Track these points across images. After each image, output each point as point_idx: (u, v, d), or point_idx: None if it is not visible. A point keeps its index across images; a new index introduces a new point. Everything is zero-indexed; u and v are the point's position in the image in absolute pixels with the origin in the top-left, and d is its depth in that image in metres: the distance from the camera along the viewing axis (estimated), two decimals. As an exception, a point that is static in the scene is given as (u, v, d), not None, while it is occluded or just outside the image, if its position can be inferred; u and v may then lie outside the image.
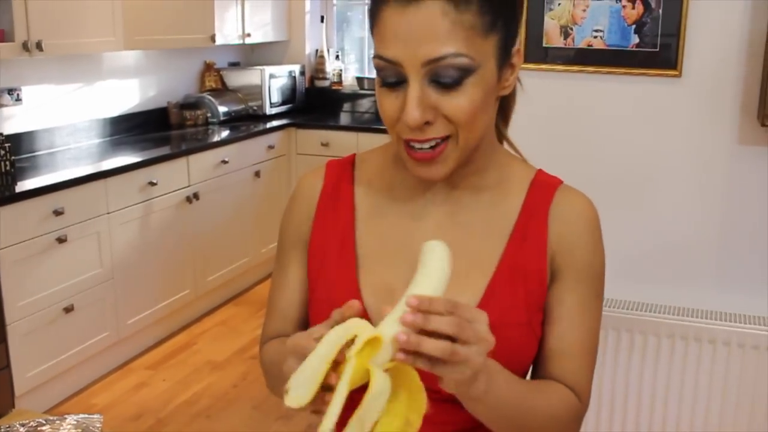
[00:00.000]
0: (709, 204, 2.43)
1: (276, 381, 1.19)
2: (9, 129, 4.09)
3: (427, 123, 1.04)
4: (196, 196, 4.54)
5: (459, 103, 1.03)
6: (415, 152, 1.08)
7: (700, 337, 2.45)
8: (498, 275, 1.15)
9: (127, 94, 5.02)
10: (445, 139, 1.07)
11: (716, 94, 2.37)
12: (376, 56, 1.05)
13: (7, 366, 3.41)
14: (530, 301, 1.16)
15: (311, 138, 5.52)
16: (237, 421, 3.60)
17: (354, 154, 1.29)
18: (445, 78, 1.02)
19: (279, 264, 1.30)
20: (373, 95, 6.02)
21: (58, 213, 3.59)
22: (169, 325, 4.52)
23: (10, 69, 4.11)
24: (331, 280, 1.20)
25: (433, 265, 0.97)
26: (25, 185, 3.57)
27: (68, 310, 3.71)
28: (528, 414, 1.09)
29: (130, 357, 4.21)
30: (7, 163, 3.82)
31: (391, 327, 0.90)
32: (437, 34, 1.00)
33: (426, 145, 1.07)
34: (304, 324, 1.27)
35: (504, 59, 1.09)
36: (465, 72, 1.02)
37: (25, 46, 3.73)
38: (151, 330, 4.36)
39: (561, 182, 1.23)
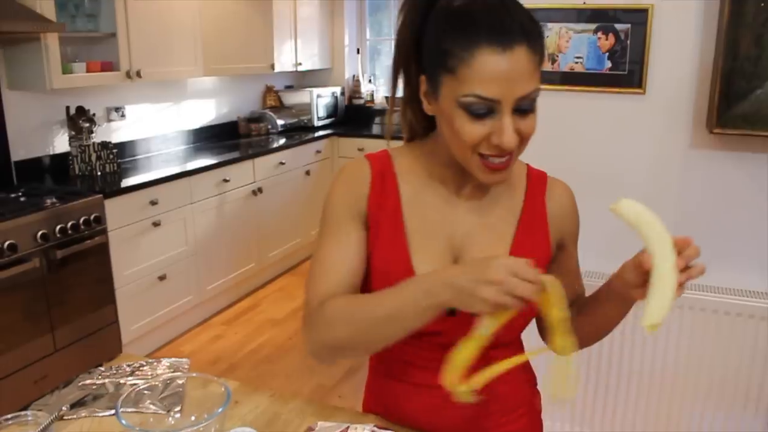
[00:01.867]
0: (667, 196, 2.40)
1: (362, 324, 1.09)
2: (116, 139, 4.12)
3: None
4: (260, 190, 4.54)
5: (531, 124, 1.05)
6: (493, 164, 1.07)
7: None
8: (516, 245, 1.18)
9: (206, 111, 5.02)
10: (512, 152, 1.07)
11: (673, 107, 2.35)
12: (470, 95, 1.01)
13: (116, 321, 3.44)
14: (539, 264, 1.15)
15: (350, 144, 5.50)
16: (292, 365, 3.60)
17: (385, 150, 1.27)
18: (525, 107, 1.02)
19: (334, 231, 1.20)
20: (397, 111, 5.97)
21: (153, 203, 3.61)
22: (239, 290, 4.53)
23: (117, 92, 4.14)
24: (386, 254, 1.18)
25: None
26: (128, 182, 3.58)
27: (162, 278, 3.73)
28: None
29: (208, 315, 4.23)
30: (115, 165, 3.85)
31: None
32: (527, 74, 1.00)
33: (504, 158, 1.06)
34: (357, 289, 1.20)
35: None
36: (535, 100, 1.03)
37: (128, 74, 3.75)
38: (225, 294, 4.38)
39: (546, 174, 1.27)
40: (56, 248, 3.04)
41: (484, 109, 1.01)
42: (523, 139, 1.05)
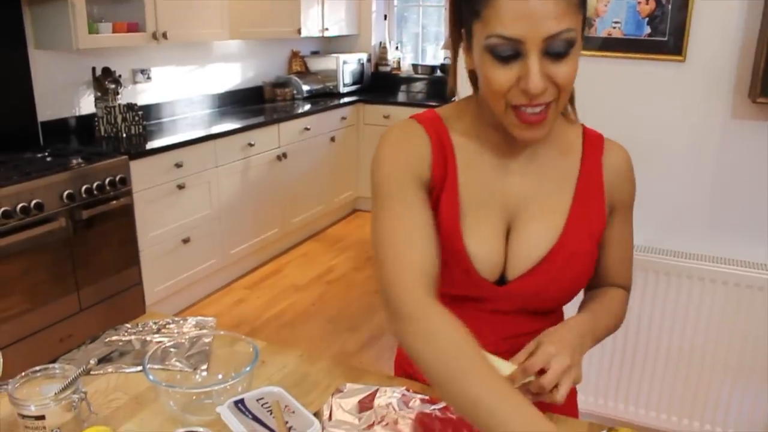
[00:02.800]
0: (705, 165, 2.34)
1: (443, 379, 0.92)
2: (141, 101, 4.11)
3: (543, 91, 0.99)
4: (284, 155, 4.52)
5: (566, 70, 0.97)
6: (527, 116, 1.01)
7: (691, 275, 2.37)
8: (572, 216, 1.14)
9: (231, 75, 4.99)
10: (548, 104, 1.00)
11: (715, 76, 2.28)
12: (494, 36, 0.95)
13: (140, 282, 3.46)
14: (595, 234, 1.16)
15: (375, 112, 5.44)
16: (314, 331, 3.60)
17: (433, 111, 1.19)
18: (557, 50, 0.95)
19: (398, 202, 1.06)
20: (424, 78, 5.92)
21: (178, 166, 3.60)
22: (262, 255, 4.53)
23: (142, 54, 4.12)
24: (440, 221, 1.12)
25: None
26: (153, 144, 3.57)
27: (186, 241, 3.74)
28: (609, 329, 1.21)
29: (232, 279, 4.23)
30: (140, 127, 3.84)
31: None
32: (554, 12, 0.93)
33: (537, 109, 1.00)
34: (439, 250, 1.07)
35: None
36: (571, 44, 0.96)
37: (154, 36, 3.72)
38: (249, 259, 4.38)
39: (603, 135, 1.21)
40: (82, 208, 3.05)
41: (509, 51, 0.95)
42: (559, 89, 0.99)
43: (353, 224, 5.35)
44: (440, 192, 1.13)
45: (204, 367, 1.32)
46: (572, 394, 1.33)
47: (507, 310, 1.18)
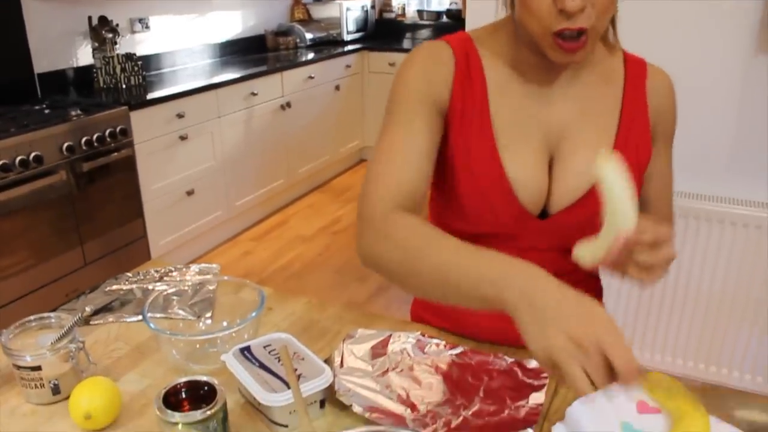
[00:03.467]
0: (729, 101, 2.24)
1: (413, 262, 0.91)
2: (140, 51, 4.01)
3: (581, 10, 0.91)
4: (288, 104, 4.42)
5: None
6: (565, 42, 0.94)
7: (710, 217, 2.29)
8: (618, 142, 1.07)
9: (232, 24, 4.85)
10: (586, 30, 0.93)
11: (740, 9, 2.15)
12: None
13: (145, 236, 3.41)
14: (642, 163, 1.09)
15: (380, 59, 5.31)
16: (322, 281, 3.55)
17: (465, 33, 1.11)
18: None
19: (404, 117, 1.04)
20: (430, 25, 5.77)
21: (180, 116, 3.51)
22: (267, 206, 4.47)
23: (140, 1, 3.99)
24: (472, 149, 1.06)
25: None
26: (154, 95, 3.47)
27: (190, 193, 3.67)
28: None
29: (237, 231, 4.18)
30: (140, 77, 3.75)
31: None
32: None
33: (576, 33, 0.93)
34: (429, 177, 1.06)
35: None
36: None
37: (150, -20, 3.59)
38: (254, 210, 4.32)
39: (645, 60, 1.13)
40: (82, 161, 2.98)
41: None
42: (598, 13, 0.92)
43: (360, 174, 5.27)
44: (468, 116, 1.06)
45: (208, 315, 1.26)
46: None
47: (545, 248, 1.11)
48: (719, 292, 2.36)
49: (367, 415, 0.95)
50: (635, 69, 1.10)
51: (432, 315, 1.25)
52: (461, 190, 1.08)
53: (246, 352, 1.01)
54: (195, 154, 3.68)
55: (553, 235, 1.09)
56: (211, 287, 1.34)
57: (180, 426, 0.87)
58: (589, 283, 1.18)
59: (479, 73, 1.06)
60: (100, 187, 3.11)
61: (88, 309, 1.00)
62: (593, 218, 1.03)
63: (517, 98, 1.06)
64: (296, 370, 0.97)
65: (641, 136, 1.09)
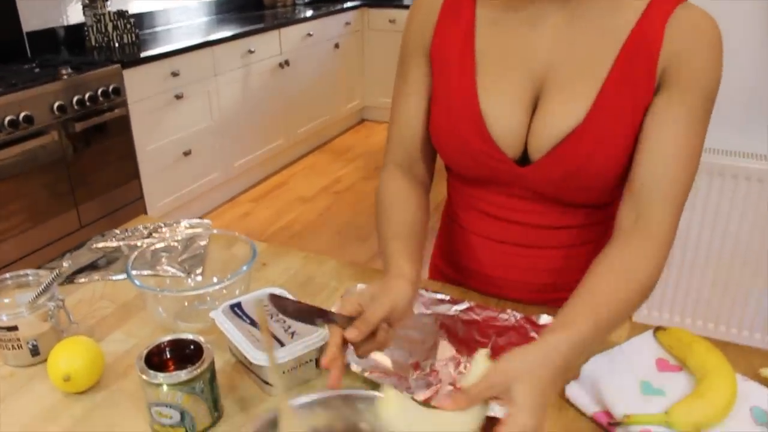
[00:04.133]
0: (746, 52, 2.13)
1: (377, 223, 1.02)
2: (133, 9, 3.88)
3: None
4: (287, 63, 4.31)
5: None
6: None
7: (723, 172, 2.21)
8: (608, 84, 0.91)
9: (228, -21, 4.72)
10: None
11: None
12: None
13: (141, 197, 3.34)
14: (636, 112, 0.91)
15: (381, 16, 5.17)
16: (323, 242, 3.48)
17: None
18: None
19: (400, 76, 1.08)
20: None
21: (175, 75, 3.41)
22: (267, 167, 4.38)
23: (131, -45, 3.86)
24: (450, 86, 0.99)
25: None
26: (147, 53, 3.36)
27: (187, 153, 3.59)
28: (617, 325, 0.84)
29: (236, 192, 4.11)
30: (133, 35, 3.65)
31: None
32: None
33: None
34: (427, 133, 1.06)
35: None
36: None
37: (141, -68, 3.46)
38: (253, 171, 4.24)
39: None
40: (74, 121, 2.89)
41: None
42: None
43: (361, 134, 5.17)
44: (450, 54, 1.00)
45: (199, 271, 1.19)
46: None
47: (531, 196, 1.02)
48: (734, 250, 2.29)
49: (366, 374, 0.89)
50: (661, 5, 0.92)
51: (452, 269, 1.17)
52: (440, 129, 1.02)
53: (236, 309, 0.95)
54: (191, 113, 3.59)
55: (539, 185, 0.99)
56: (202, 243, 1.27)
57: (164, 387, 0.80)
58: (584, 233, 1.07)
59: (469, 10, 0.99)
60: (94, 148, 3.03)
61: (65, 264, 0.93)
62: (579, 170, 0.94)
63: (508, 33, 0.97)
64: (290, 327, 0.90)
65: (642, 80, 0.91)
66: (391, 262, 0.88)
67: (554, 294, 1.06)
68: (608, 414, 0.82)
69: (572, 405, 0.86)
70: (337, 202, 3.93)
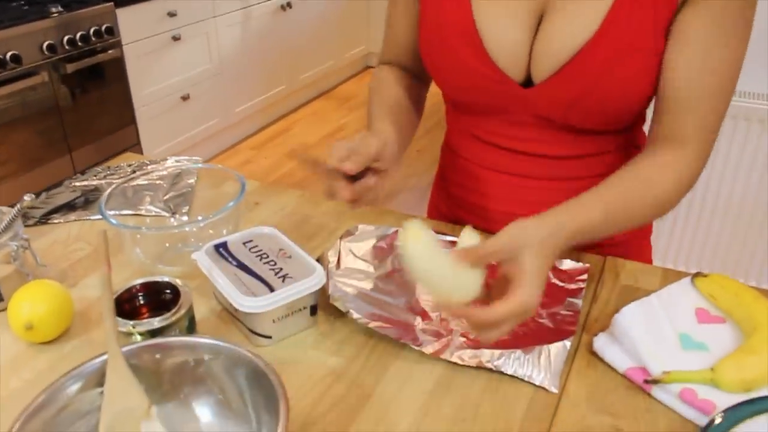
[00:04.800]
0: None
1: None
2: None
3: None
4: (289, 5, 4.13)
5: None
6: None
7: (749, 117, 2.08)
8: (611, 14, 0.80)
9: None
10: None
11: None
12: None
13: (138, 143, 3.22)
14: (658, 22, 0.80)
15: (386, -43, 4.96)
16: (327, 190, 3.37)
17: None
18: None
19: None
20: None
21: (171, 15, 3.26)
22: (269, 114, 4.24)
23: None
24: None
25: None
26: (141, -10, 3.21)
27: (185, 98, 3.45)
28: (626, 225, 0.84)
29: (237, 140, 3.98)
30: (127, -27, 3.46)
31: None
32: None
33: None
34: (416, 46, 0.97)
35: None
36: None
37: None
38: (254, 118, 4.10)
39: None
40: (65, 62, 2.75)
41: None
42: None
43: (365, 81, 5.02)
44: None
45: (184, 210, 1.08)
46: (646, 233, 1.09)
47: (543, 124, 0.91)
48: (730, 194, 2.16)
49: (367, 323, 0.78)
50: None
51: (454, 207, 1.07)
52: (431, 47, 0.92)
53: (221, 250, 0.84)
54: (189, 56, 3.44)
55: (543, 107, 0.88)
56: (190, 180, 1.16)
57: (137, 337, 0.70)
58: (597, 163, 0.96)
59: None
60: (87, 91, 2.89)
61: (27, 198, 0.82)
62: (591, 90, 0.83)
63: None
64: (281, 270, 0.79)
65: (643, 11, 0.80)
66: (373, 125, 0.88)
67: None
68: (643, 370, 0.72)
69: (601, 360, 0.76)
70: (341, 149, 3.81)
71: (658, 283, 0.90)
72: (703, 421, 0.67)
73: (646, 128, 0.92)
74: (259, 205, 1.10)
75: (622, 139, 0.95)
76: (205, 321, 0.83)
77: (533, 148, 0.93)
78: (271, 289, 0.76)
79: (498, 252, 0.70)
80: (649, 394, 0.71)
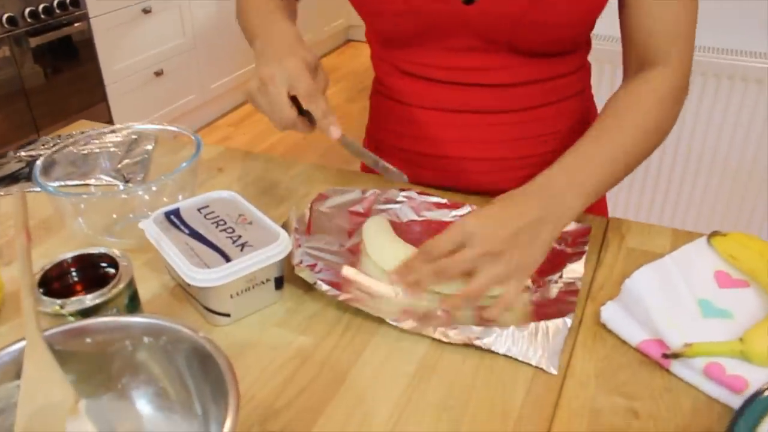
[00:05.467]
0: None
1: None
2: None
3: None
4: (264, -24, 3.99)
5: None
6: None
7: (746, 77, 1.98)
8: None
9: None
10: None
11: None
12: None
13: (110, 121, 3.08)
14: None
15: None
16: (308, 162, 3.25)
17: None
18: None
19: None
20: None
21: (141, -15, 3.11)
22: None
23: None
24: None
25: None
26: (109, -40, 3.06)
27: (158, 74, 3.31)
28: (630, 163, 0.75)
29: (214, 117, 3.84)
30: (94, -56, 3.31)
31: None
32: None
33: None
34: None
35: None
36: None
37: None
38: (232, 94, 3.96)
39: None
40: (28, 35, 2.61)
41: None
42: None
43: (346, 54, 4.88)
44: None
45: (139, 178, 0.97)
46: None
47: (487, 48, 0.81)
48: (728, 155, 2.07)
49: (338, 296, 0.68)
50: None
51: (394, 163, 0.95)
52: None
53: (172, 217, 0.73)
54: (161, 30, 3.30)
55: (486, 26, 0.79)
56: (147, 147, 1.05)
57: (71, 319, 0.59)
58: (552, 89, 0.87)
59: None
60: (54, 67, 2.75)
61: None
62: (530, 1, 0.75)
63: None
64: (240, 237, 0.69)
65: None
66: (277, 24, 0.82)
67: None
68: (660, 343, 0.62)
69: (610, 332, 0.66)
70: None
71: (669, 245, 0.80)
72: (731, 399, 0.58)
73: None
74: (223, 171, 0.99)
75: (573, 61, 0.87)
76: (156, 299, 0.72)
77: (478, 77, 0.84)
78: (228, 260, 0.65)
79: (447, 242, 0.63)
80: (667, 371, 0.61)
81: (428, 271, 0.62)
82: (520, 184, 0.68)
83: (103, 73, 3.00)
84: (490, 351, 0.63)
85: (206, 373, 0.50)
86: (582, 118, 0.92)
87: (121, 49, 3.08)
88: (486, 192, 0.88)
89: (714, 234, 0.74)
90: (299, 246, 0.74)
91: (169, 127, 0.92)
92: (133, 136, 1.07)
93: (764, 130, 2.00)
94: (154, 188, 0.79)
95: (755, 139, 2.02)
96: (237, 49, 3.84)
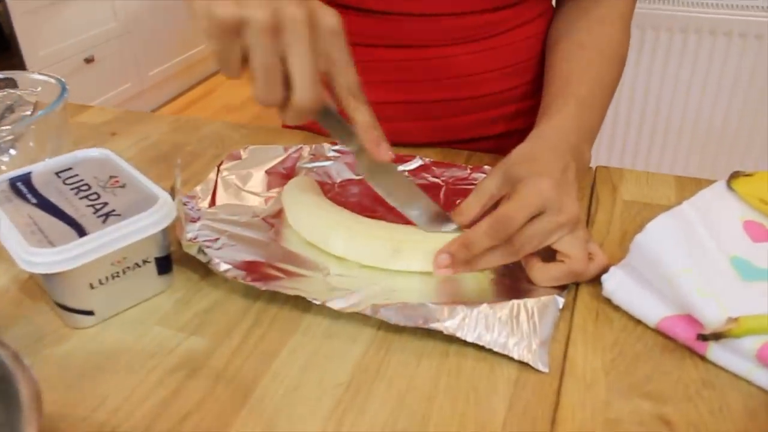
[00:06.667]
0: None
1: None
2: None
3: None
4: (202, -44, 3.75)
5: None
6: None
7: (700, 28, 1.85)
8: None
9: None
10: None
11: None
12: None
13: (36, 112, 2.83)
14: None
15: None
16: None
17: None
18: None
19: None
20: None
21: (62, -35, 2.87)
22: (189, 77, 3.85)
23: None
24: None
25: None
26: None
27: (89, 60, 3.06)
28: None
29: (156, 105, 3.60)
30: None
31: None
32: None
33: None
34: None
35: None
36: None
37: None
38: (173, 81, 3.72)
39: None
40: (-63, 20, 2.36)
41: None
42: None
43: None
44: None
45: (13, 152, 0.77)
46: None
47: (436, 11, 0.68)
48: (727, 114, 1.94)
49: (242, 278, 0.49)
50: None
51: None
52: None
53: (20, 184, 0.53)
54: (89, 13, 3.05)
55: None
56: (25, 113, 0.85)
57: None
58: (509, 18, 0.71)
59: None
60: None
61: None
62: None
63: None
64: (105, 205, 0.49)
65: None
66: None
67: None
68: (690, 320, 0.45)
69: (617, 309, 0.48)
70: (267, 111, 3.48)
71: (674, 195, 0.63)
72: (798, 394, 0.41)
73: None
74: (117, 135, 0.79)
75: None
76: (1, 297, 0.53)
77: (432, 7, 0.68)
78: (82, 233, 0.46)
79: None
80: (703, 358, 0.44)
81: (505, 246, 0.49)
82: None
83: (25, 60, 2.75)
84: (454, 344, 0.45)
85: (5, 407, 0.31)
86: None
87: (45, 33, 2.84)
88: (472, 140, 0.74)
89: (735, 175, 0.57)
90: (198, 219, 0.55)
91: (29, 75, 0.72)
92: (8, 102, 0.87)
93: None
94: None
95: (756, 96, 1.89)
96: (175, 34, 3.61)
